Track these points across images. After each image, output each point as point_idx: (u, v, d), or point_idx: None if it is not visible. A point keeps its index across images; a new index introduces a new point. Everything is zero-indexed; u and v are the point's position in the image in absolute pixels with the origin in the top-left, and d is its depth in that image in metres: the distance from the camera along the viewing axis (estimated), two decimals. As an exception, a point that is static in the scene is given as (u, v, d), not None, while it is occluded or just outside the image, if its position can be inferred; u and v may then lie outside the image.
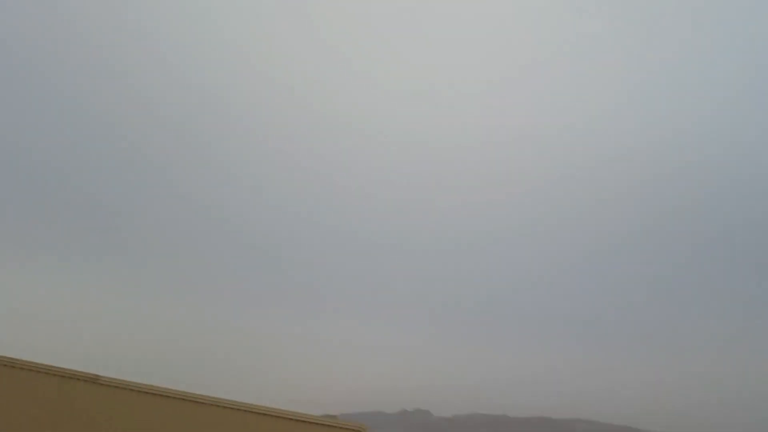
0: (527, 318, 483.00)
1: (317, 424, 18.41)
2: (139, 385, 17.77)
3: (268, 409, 18.24)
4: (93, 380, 17.49)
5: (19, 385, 17.17)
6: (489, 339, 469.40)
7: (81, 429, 17.05)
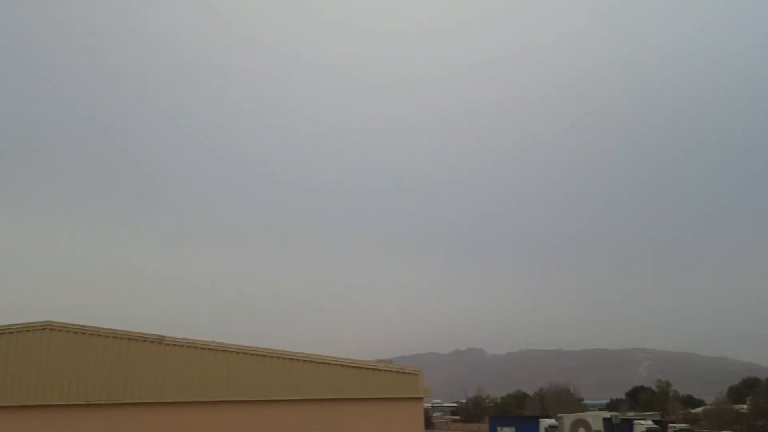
0: (565, 248, 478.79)
1: (375, 369, 18.96)
2: (202, 342, 18.55)
3: (325, 358, 18.86)
4: (159, 341, 18.33)
5: (90, 349, 18.08)
6: (534, 274, 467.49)
7: (149, 385, 17.97)
